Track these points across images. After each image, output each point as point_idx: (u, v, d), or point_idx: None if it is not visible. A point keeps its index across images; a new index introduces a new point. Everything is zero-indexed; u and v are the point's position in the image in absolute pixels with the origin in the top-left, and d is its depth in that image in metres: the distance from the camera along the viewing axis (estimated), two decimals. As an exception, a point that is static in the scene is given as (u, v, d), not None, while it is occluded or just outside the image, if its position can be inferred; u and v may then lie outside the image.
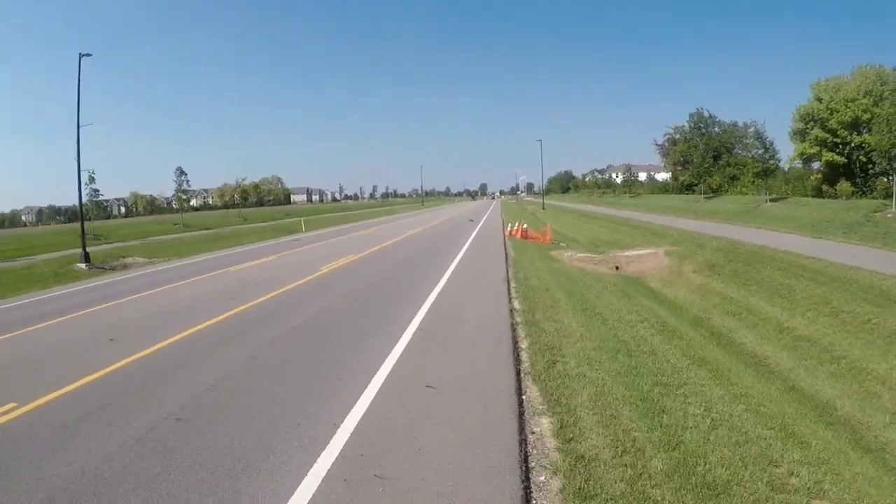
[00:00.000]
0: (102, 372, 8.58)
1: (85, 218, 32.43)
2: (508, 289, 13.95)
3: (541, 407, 6.66)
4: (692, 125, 77.81)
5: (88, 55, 28.38)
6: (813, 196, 48.94)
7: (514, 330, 10.04)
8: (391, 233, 38.96)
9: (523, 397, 6.97)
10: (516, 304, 12.09)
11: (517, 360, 8.34)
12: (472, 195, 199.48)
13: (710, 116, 76.76)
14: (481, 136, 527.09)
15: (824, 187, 48.44)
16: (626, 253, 26.50)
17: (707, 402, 7.23)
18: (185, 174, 68.37)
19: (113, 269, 27.26)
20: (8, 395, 7.80)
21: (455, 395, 7.04)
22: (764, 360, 12.47)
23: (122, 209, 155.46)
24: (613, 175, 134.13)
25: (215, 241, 41.41)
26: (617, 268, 22.25)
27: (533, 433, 6.01)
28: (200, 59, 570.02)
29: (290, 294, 14.83)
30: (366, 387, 7.39)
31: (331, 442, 5.84)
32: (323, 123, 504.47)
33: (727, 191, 65.45)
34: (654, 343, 9.96)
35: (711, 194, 65.06)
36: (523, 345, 9.19)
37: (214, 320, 11.83)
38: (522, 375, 7.74)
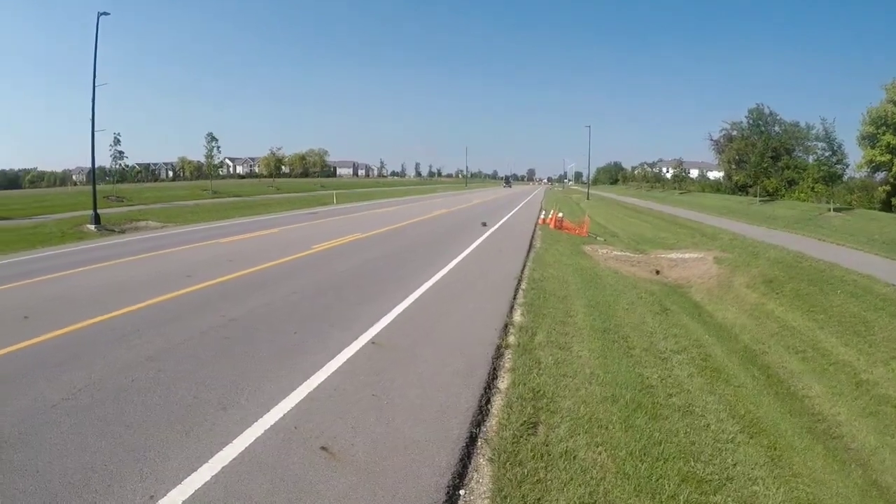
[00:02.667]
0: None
1: (109, 181, 32.68)
2: (515, 293, 11.04)
3: None
4: (751, 122, 72.18)
5: (106, 14, 28.48)
6: (880, 209, 44.32)
7: (497, 359, 7.29)
8: (418, 211, 36.50)
9: None
10: (517, 317, 9.29)
11: (478, 417, 5.64)
12: (507, 180, 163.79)
13: (771, 114, 71.21)
14: (531, 121, 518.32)
15: (894, 200, 43.72)
16: (670, 255, 23.48)
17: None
18: (216, 140, 68.13)
19: (123, 231, 26.92)
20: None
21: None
22: (837, 431, 9.19)
23: (170, 173, 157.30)
24: (664, 169, 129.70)
25: (235, 209, 40.73)
26: (657, 272, 19.28)
27: None
28: (261, 32, 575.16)
29: (249, 277, 12.77)
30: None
31: None
32: (374, 99, 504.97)
33: (783, 195, 60.94)
34: (691, 391, 7.23)
35: (767, 198, 60.72)
36: (501, 385, 6.50)
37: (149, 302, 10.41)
38: (475, 451, 5.05)
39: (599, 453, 5.07)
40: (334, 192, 61.63)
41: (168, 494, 4.27)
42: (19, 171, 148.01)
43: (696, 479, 4.95)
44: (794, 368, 11.69)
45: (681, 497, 4.57)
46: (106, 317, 9.18)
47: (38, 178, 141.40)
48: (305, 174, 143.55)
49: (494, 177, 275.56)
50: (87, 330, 8.51)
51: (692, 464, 5.21)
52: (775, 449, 6.42)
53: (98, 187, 30.53)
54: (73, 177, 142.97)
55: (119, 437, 5.21)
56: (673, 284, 18.01)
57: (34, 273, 13.96)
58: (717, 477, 5.08)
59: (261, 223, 28.41)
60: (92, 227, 26.66)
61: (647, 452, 5.24)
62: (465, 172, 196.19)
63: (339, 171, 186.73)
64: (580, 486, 4.51)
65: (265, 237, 21.44)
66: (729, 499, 4.76)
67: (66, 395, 6.14)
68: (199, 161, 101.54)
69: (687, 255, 23.38)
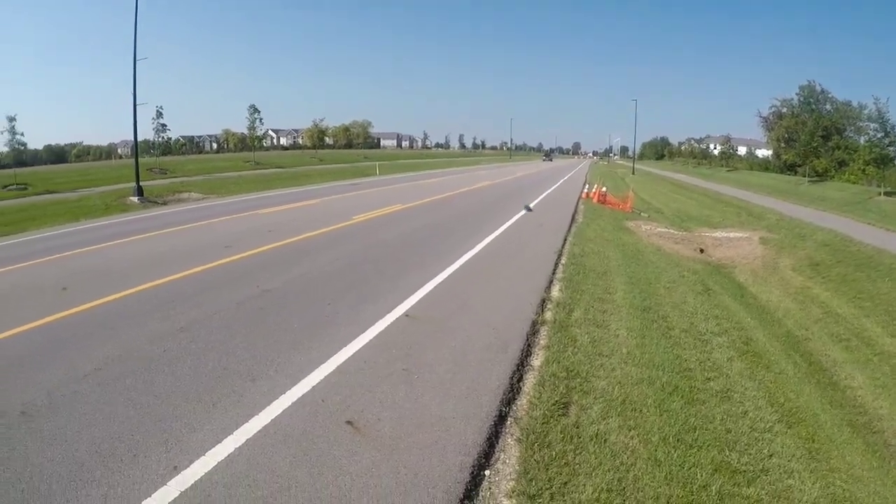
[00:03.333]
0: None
1: (153, 153, 33.13)
2: (554, 268, 10.78)
3: None
4: (801, 99, 69.22)
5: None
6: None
7: (532, 335, 7.10)
8: (460, 183, 36.15)
9: (481, 491, 4.13)
10: (554, 293, 9.07)
11: (509, 395, 5.48)
12: (547, 154, 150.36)
13: (823, 91, 68.06)
14: (577, 95, 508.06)
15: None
16: (715, 234, 22.82)
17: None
18: (259, 112, 68.12)
19: (165, 203, 27.34)
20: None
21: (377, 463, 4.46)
22: (879, 426, 8.76)
23: (214, 145, 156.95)
24: (711, 146, 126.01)
25: (277, 180, 40.97)
26: (701, 250, 18.72)
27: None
28: (305, 3, 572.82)
29: (287, 248, 12.71)
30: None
31: None
32: (419, 71, 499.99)
33: (833, 176, 58.48)
34: (730, 375, 6.93)
35: (816, 178, 58.42)
36: (535, 362, 6.33)
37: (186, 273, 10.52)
38: (503, 430, 4.89)
39: (631, 438, 4.88)
40: (377, 163, 61.41)
41: (191, 465, 4.25)
42: (66, 145, 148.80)
43: (729, 469, 4.72)
44: (837, 357, 11.25)
45: (713, 488, 4.36)
46: (143, 287, 9.27)
47: (84, 153, 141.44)
48: (349, 146, 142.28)
49: (539, 150, 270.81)
50: (123, 301, 8.59)
51: (727, 453, 4.97)
52: (813, 441, 6.12)
53: (141, 160, 30.87)
54: (118, 150, 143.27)
55: (147, 408, 5.21)
56: (717, 264, 17.47)
57: (76, 245, 14.21)
58: (751, 468, 4.84)
59: (302, 194, 28.44)
60: (135, 199, 26.98)
61: (681, 439, 5.03)
62: (509, 145, 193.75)
63: (382, 142, 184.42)
64: (609, 471, 4.34)
65: (306, 208, 21.46)
66: (762, 492, 4.52)
67: (98, 365, 6.18)
68: (242, 133, 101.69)
69: (732, 235, 22.70)
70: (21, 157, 50.71)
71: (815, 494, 4.79)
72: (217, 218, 19.06)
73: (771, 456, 5.17)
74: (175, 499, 3.89)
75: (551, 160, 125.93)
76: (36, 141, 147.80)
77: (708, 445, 5.00)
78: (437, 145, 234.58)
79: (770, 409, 6.30)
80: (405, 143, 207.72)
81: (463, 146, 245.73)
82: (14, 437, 4.79)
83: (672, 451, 4.80)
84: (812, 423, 6.68)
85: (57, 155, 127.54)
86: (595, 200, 26.38)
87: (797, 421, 6.44)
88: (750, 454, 5.07)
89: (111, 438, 4.70)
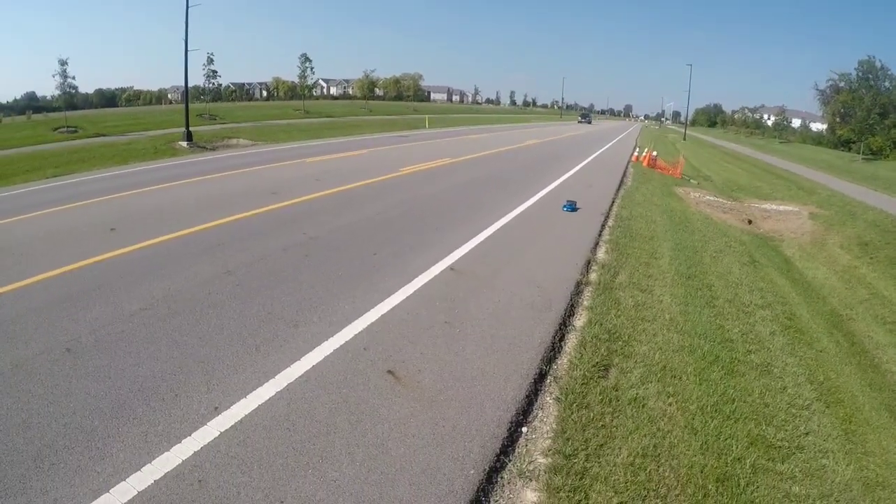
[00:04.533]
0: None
1: (203, 100, 33.21)
2: (601, 230, 10.55)
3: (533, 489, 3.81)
4: (860, 74, 66.05)
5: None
6: None
7: (576, 295, 6.96)
8: (510, 140, 35.50)
9: (517, 448, 4.09)
10: (600, 254, 8.88)
11: (550, 354, 5.39)
12: (584, 115, 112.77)
13: (882, 68, 64.74)
14: (631, 57, 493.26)
15: None
16: (764, 206, 22.08)
17: (829, 490, 4.24)
18: (310, 61, 67.47)
19: (214, 148, 27.51)
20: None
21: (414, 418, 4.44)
22: None
23: (264, 93, 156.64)
24: (765, 116, 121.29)
25: (326, 129, 40.86)
26: (750, 221, 18.10)
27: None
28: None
29: (334, 197, 12.63)
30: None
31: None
32: (471, 25, 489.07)
33: (888, 155, 55.81)
34: (771, 350, 6.73)
35: (870, 156, 55.85)
36: (577, 323, 6.22)
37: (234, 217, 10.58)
38: (543, 388, 4.83)
39: (670, 404, 4.78)
40: (426, 116, 60.68)
41: (231, 407, 4.28)
42: (116, 90, 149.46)
43: (765, 443, 4.59)
44: (880, 340, 10.81)
45: (747, 461, 4.24)
46: (189, 231, 9.33)
47: (135, 97, 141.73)
48: (399, 98, 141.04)
49: (591, 110, 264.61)
50: (170, 243, 8.67)
51: (763, 427, 4.83)
52: (850, 422, 5.92)
53: (191, 106, 30.96)
54: (168, 96, 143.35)
55: (190, 348, 5.25)
56: (764, 236, 16.92)
57: (124, 187, 14.40)
58: (786, 444, 4.70)
59: (351, 144, 28.28)
60: (184, 144, 27.14)
61: (719, 409, 4.91)
62: (560, 104, 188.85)
63: (433, 95, 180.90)
64: (646, 436, 4.27)
65: (354, 158, 21.34)
66: (796, 469, 4.39)
67: (144, 305, 6.25)
68: (292, 81, 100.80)
69: (781, 208, 21.95)
70: (72, 100, 51.50)
71: (847, 476, 4.64)
72: (265, 165, 19.09)
73: (807, 434, 5.02)
74: (215, 439, 3.93)
75: (589, 122, 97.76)
76: (87, 85, 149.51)
77: (745, 418, 4.87)
78: (488, 101, 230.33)
79: (809, 387, 6.11)
80: (455, 98, 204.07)
81: (513, 103, 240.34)
82: (58, 373, 4.88)
83: (709, 420, 4.69)
84: (850, 405, 6.47)
85: (107, 99, 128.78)
86: (645, 164, 25.67)
87: (835, 401, 6.24)
88: (786, 430, 4.93)
89: (153, 377, 4.76)
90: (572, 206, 11.88)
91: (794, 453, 4.61)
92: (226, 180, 15.77)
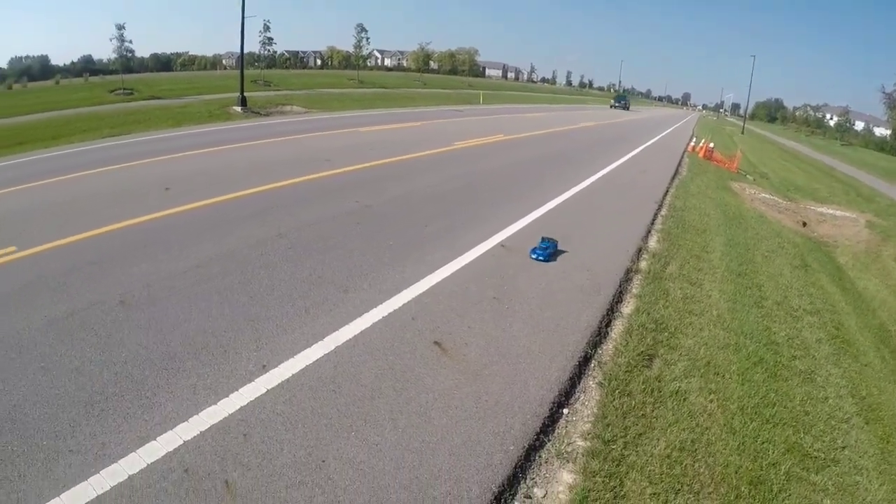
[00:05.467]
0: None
1: (257, 66, 33.44)
2: (653, 218, 10.29)
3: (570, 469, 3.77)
4: (931, 80, 62.83)
5: None
6: None
7: (625, 282, 6.84)
8: (564, 121, 34.85)
9: (557, 428, 4.07)
10: (651, 243, 8.69)
11: (596, 338, 5.32)
12: (619, 98, 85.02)
13: None
14: (692, 44, 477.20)
15: None
16: (820, 209, 21.25)
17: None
18: (366, 31, 66.94)
19: (267, 114, 27.55)
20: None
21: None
22: None
23: (318, 62, 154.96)
24: (827, 116, 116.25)
25: (379, 100, 40.76)
26: (804, 224, 17.45)
27: None
28: None
29: (387, 168, 12.60)
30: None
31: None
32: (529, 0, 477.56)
33: (955, 166, 53.06)
34: (816, 358, 6.51)
35: (937, 166, 53.24)
36: (625, 310, 6.12)
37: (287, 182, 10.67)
38: (587, 372, 4.78)
39: (711, 401, 4.69)
40: (481, 92, 59.85)
41: (280, 366, 4.34)
42: (171, 54, 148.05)
43: (801, 451, 4.46)
44: (930, 360, 10.37)
45: (782, 467, 4.14)
46: (243, 193, 9.42)
47: (189, 62, 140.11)
48: (454, 72, 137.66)
49: (647, 96, 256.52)
50: (224, 205, 8.77)
51: (801, 435, 4.69)
52: (888, 442, 5.68)
53: (246, 72, 30.88)
54: (223, 62, 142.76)
55: (241, 307, 5.33)
56: (818, 240, 16.29)
57: (179, 149, 14.57)
58: (822, 455, 4.55)
59: (404, 115, 28.09)
60: (238, 109, 27.18)
61: (759, 412, 4.79)
62: (617, 87, 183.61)
63: (487, 71, 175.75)
64: (684, 430, 4.20)
65: (407, 130, 21.21)
66: (829, 482, 4.25)
67: (197, 263, 6.35)
68: (347, 51, 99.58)
69: (838, 213, 21.11)
70: (128, 64, 52.35)
71: (879, 496, 4.47)
72: (318, 132, 19.11)
73: (843, 448, 4.86)
74: (261, 396, 4.00)
75: (626, 107, 75.73)
76: (143, 49, 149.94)
77: (784, 424, 4.75)
78: (543, 80, 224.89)
79: (850, 400, 5.91)
80: (510, 75, 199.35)
81: (569, 83, 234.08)
82: (111, 324, 5.00)
83: (748, 422, 4.59)
84: (890, 424, 6.22)
85: (163, 63, 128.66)
86: (701, 155, 24.90)
87: (875, 418, 6.01)
88: (823, 441, 4.78)
89: (204, 333, 4.85)
90: (546, 251, 7.17)
91: (829, 466, 4.48)
92: (279, 146, 15.87)
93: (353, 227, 7.89)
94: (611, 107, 74.35)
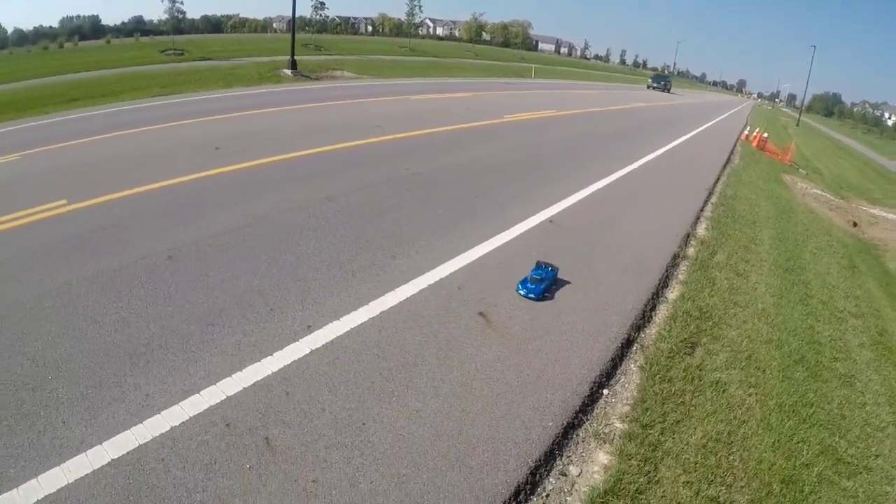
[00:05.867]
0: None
1: (308, 30, 33.05)
2: (703, 205, 10.01)
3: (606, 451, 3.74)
4: None
5: None
6: None
7: (671, 268, 6.68)
8: (615, 100, 34.02)
9: (596, 408, 4.02)
10: (700, 230, 8.48)
11: (640, 321, 5.24)
12: (658, 79, 68.02)
13: None
14: (751, 31, 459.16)
15: None
16: (872, 210, 20.48)
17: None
18: None
19: (318, 78, 27.32)
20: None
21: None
22: None
23: (369, 28, 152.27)
24: (885, 114, 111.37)
25: (430, 68, 40.27)
26: (855, 224, 16.85)
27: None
28: None
29: (437, 136, 12.43)
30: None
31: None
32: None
33: None
34: (857, 362, 6.31)
35: None
36: (670, 295, 6.00)
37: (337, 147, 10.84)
38: (628, 355, 4.71)
39: (750, 395, 4.60)
40: (533, 66, 58.56)
41: (324, 328, 4.36)
42: (222, 16, 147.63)
43: (834, 455, 4.34)
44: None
45: (814, 469, 4.04)
46: (292, 155, 9.41)
47: (240, 25, 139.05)
48: (506, 44, 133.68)
49: (702, 80, 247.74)
50: (273, 166, 8.76)
51: (836, 439, 4.57)
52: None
53: (297, 36, 30.48)
54: (274, 25, 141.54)
55: (288, 267, 5.34)
56: (868, 242, 15.71)
57: (228, 109, 14.58)
58: (855, 462, 4.42)
59: (455, 85, 27.66)
60: (288, 72, 26.93)
61: (796, 411, 4.68)
62: (670, 69, 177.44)
63: (540, 45, 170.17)
64: (721, 422, 4.13)
65: (457, 100, 20.87)
66: (860, 489, 4.12)
67: (245, 222, 6.37)
68: (399, 18, 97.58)
69: (890, 216, 20.27)
70: (179, 25, 52.30)
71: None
72: (368, 98, 18.92)
73: (877, 456, 4.72)
74: (305, 356, 4.02)
75: (666, 89, 63.37)
76: (194, 10, 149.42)
77: (820, 425, 4.63)
78: (597, 57, 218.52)
79: (888, 409, 5.71)
80: (563, 50, 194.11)
81: (623, 62, 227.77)
82: (159, 278, 5.04)
83: (785, 419, 4.49)
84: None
85: (213, 25, 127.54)
86: (754, 145, 24.13)
87: (913, 427, 5.86)
88: (858, 447, 4.65)
89: (250, 291, 4.87)
90: (539, 285, 5.29)
91: (861, 473, 4.36)
92: (329, 110, 15.78)
93: (402, 194, 7.86)
94: (648, 87, 63.39)
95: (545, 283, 5.31)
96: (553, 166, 10.82)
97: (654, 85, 64.09)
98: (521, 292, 5.16)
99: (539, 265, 5.57)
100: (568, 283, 5.62)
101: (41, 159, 9.84)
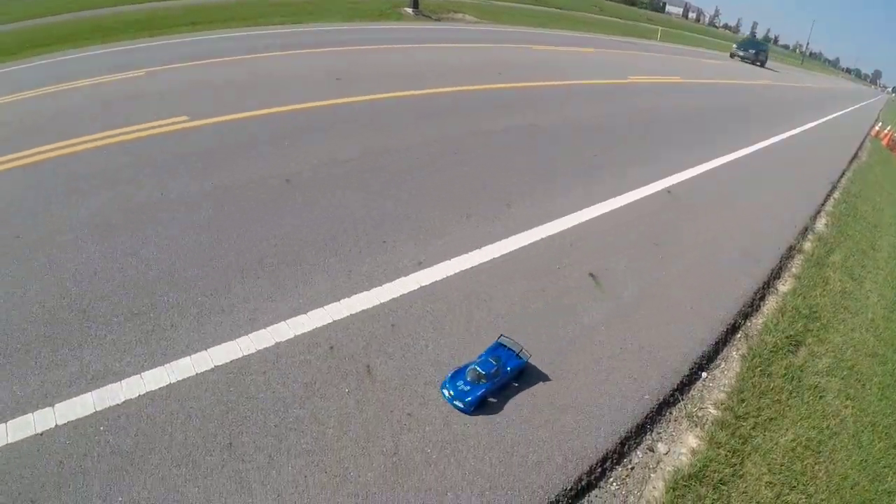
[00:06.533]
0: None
1: None
2: (826, 199, 8.94)
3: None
4: None
5: None
6: None
7: (786, 259, 6.01)
8: (741, 73, 30.82)
9: (692, 390, 3.69)
10: (819, 225, 7.55)
11: (748, 309, 4.74)
12: (747, 46, 42.04)
13: None
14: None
15: None
16: None
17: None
18: None
19: (438, 19, 25.89)
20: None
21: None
22: None
23: None
24: None
25: (552, 19, 37.53)
26: None
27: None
28: None
29: (558, 90, 11.58)
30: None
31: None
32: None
33: None
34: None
35: None
36: (781, 288, 5.41)
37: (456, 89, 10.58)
38: (732, 341, 4.29)
39: (846, 406, 4.10)
40: (659, 28, 53.94)
41: (435, 266, 4.20)
42: None
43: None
44: None
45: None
46: (411, 93, 9.01)
47: None
48: (632, 2, 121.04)
49: (835, 65, 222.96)
50: (391, 101, 8.42)
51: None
52: None
53: None
54: None
55: (403, 203, 5.12)
56: None
57: (349, 42, 14.08)
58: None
59: (577, 39, 25.77)
60: (409, 10, 25.68)
61: (889, 434, 4.12)
62: (803, 48, 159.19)
63: (668, 7, 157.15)
64: (813, 429, 3.70)
65: (580, 54, 19.48)
66: None
67: (363, 154, 6.14)
68: None
69: None
70: None
71: None
72: (489, 44, 17.86)
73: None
74: (413, 291, 3.86)
75: (757, 61, 40.60)
76: None
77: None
78: (725, 26, 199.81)
79: None
80: (692, 15, 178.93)
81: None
82: (275, 199, 4.94)
83: (876, 440, 3.98)
84: None
85: None
86: (884, 143, 21.43)
87: None
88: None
89: (364, 221, 4.70)
90: (477, 389, 3.03)
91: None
92: (449, 52, 15.03)
93: (520, 144, 7.44)
94: (731, 55, 41.33)
95: (490, 386, 3.07)
96: (676, 134, 9.98)
97: (741, 54, 40.88)
98: (446, 394, 3.06)
99: (498, 347, 3.35)
100: (677, 255, 5.15)
101: (163, 78, 9.96)
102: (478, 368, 3.07)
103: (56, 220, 4.67)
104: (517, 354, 3.26)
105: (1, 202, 5.00)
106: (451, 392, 3.03)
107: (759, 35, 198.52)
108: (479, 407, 3.00)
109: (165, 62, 11.27)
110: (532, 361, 3.35)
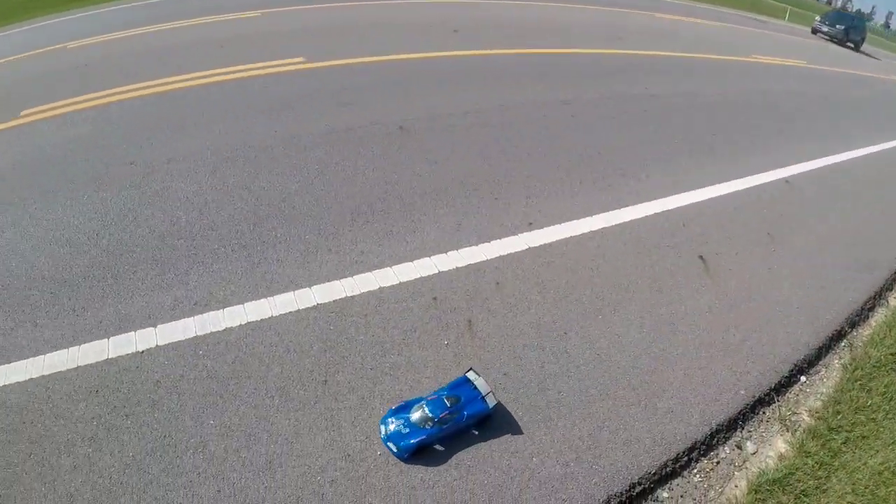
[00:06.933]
0: None
1: None
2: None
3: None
4: None
5: None
6: None
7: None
8: (875, 67, 27.54)
9: (789, 393, 3.40)
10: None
11: (855, 318, 4.28)
12: (834, 19, 28.48)
13: None
14: None
15: None
16: None
17: None
18: None
19: None
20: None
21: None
22: None
23: None
24: None
25: None
26: None
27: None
28: None
29: (676, 61, 10.54)
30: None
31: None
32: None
33: None
34: None
35: None
36: (893, 301, 4.77)
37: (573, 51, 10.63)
38: (835, 349, 3.91)
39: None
40: (788, 7, 48.45)
41: (545, 228, 4.06)
42: None
43: None
44: None
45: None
46: (525, 51, 8.48)
47: None
48: None
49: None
50: (505, 58, 7.93)
51: None
52: None
53: None
54: None
55: (517, 162, 4.85)
56: None
57: None
58: None
59: (701, 11, 23.48)
60: None
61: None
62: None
63: None
64: (900, 456, 3.38)
65: (704, 26, 17.99)
66: None
67: (477, 108, 5.86)
68: None
69: None
70: None
71: None
72: (611, 8, 16.35)
73: None
74: (521, 252, 3.69)
75: (849, 43, 27.42)
76: None
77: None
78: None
79: None
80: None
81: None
82: (388, 145, 4.80)
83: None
84: None
85: None
86: None
87: None
88: None
89: (475, 175, 4.50)
90: (419, 433, 2.42)
91: None
92: (569, 13, 13.97)
93: (637, 114, 6.90)
94: (813, 31, 29.34)
95: (436, 432, 2.46)
96: (799, 122, 9.03)
97: (824, 30, 28.48)
98: (383, 430, 2.50)
99: (464, 382, 2.66)
100: (790, 249, 4.70)
101: (279, 19, 9.74)
102: (426, 408, 2.47)
103: (169, 150, 4.74)
104: (482, 398, 2.54)
105: (116, 129, 5.11)
106: (387, 430, 2.45)
107: (893, 26, 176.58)
108: (417, 454, 2.41)
109: (280, 3, 11.17)
110: (633, 336, 3.18)
